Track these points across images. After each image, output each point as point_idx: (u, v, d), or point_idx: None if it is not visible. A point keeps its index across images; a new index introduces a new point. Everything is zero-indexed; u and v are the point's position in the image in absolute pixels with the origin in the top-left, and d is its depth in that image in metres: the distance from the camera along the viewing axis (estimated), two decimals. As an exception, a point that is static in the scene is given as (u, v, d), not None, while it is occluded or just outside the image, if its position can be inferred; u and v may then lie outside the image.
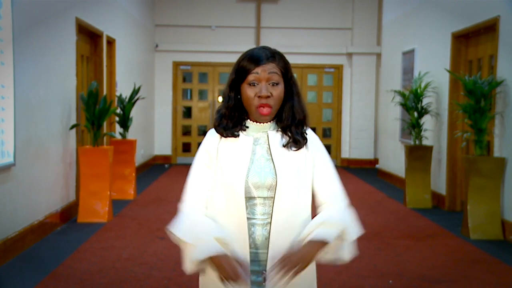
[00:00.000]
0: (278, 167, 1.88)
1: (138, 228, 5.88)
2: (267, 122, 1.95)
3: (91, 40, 7.37)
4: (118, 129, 8.27)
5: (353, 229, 1.91)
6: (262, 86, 1.87)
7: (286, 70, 1.92)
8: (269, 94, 1.86)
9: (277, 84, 1.88)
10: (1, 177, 4.54)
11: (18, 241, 4.81)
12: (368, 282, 4.24)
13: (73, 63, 6.35)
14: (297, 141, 1.92)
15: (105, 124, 7.30)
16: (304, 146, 1.94)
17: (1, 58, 4.41)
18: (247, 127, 1.95)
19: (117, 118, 7.90)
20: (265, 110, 1.87)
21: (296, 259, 1.78)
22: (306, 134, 1.95)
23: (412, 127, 7.49)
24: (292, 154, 1.92)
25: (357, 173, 10.97)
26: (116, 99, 7.98)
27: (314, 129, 12.26)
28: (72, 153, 6.34)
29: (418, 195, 7.35)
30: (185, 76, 12.43)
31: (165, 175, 10.36)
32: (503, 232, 5.64)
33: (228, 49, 11.98)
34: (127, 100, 7.87)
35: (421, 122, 7.47)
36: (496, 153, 5.89)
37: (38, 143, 5.34)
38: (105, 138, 7.47)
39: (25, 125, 5.00)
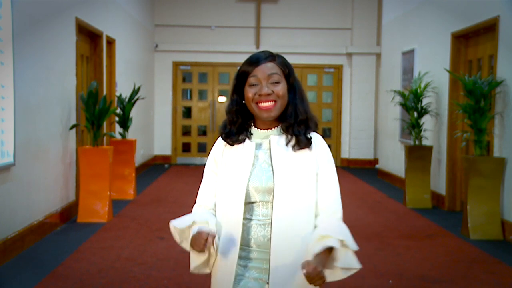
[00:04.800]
0: (276, 172, 1.87)
1: (138, 228, 5.88)
2: (272, 128, 1.94)
3: (91, 40, 7.37)
4: (118, 129, 8.27)
5: (351, 241, 1.86)
6: (263, 85, 1.87)
7: (288, 71, 1.91)
8: (269, 92, 1.86)
9: (278, 83, 1.88)
10: (1, 177, 4.54)
11: (18, 241, 4.81)
12: (368, 282, 4.24)
13: (73, 63, 6.35)
14: (299, 141, 1.89)
15: (105, 124, 7.30)
16: (308, 148, 1.91)
17: (1, 58, 4.41)
18: (252, 134, 1.95)
19: (117, 118, 7.90)
20: (268, 104, 1.87)
21: (315, 266, 1.72)
22: (310, 136, 1.92)
23: (412, 127, 7.49)
24: (294, 155, 1.89)
25: (357, 173, 10.97)
26: (116, 99, 7.98)
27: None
28: (72, 153, 6.34)
29: (418, 195, 7.35)
30: (185, 76, 12.42)
31: (165, 175, 10.36)
32: (502, 232, 5.64)
33: (228, 49, 11.99)
34: (127, 100, 7.87)
35: (421, 122, 7.47)
36: (496, 153, 5.89)
37: (38, 143, 5.34)
38: (105, 138, 7.47)
39: (25, 125, 4.99)
